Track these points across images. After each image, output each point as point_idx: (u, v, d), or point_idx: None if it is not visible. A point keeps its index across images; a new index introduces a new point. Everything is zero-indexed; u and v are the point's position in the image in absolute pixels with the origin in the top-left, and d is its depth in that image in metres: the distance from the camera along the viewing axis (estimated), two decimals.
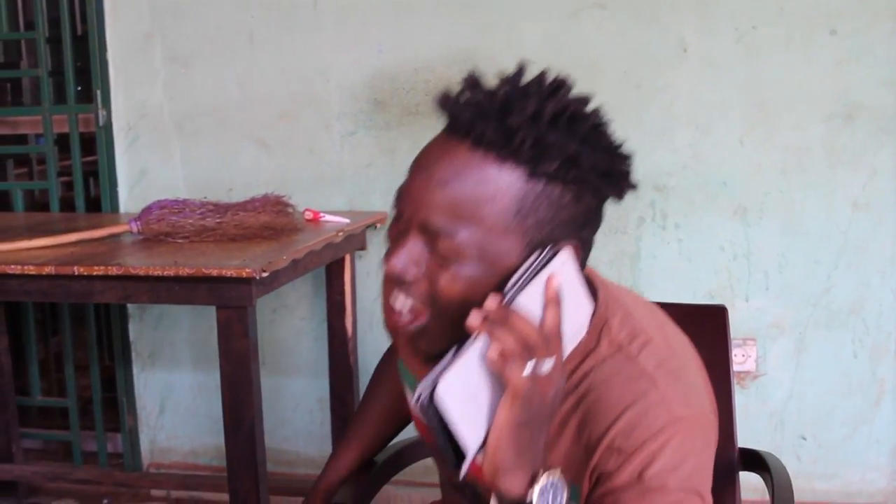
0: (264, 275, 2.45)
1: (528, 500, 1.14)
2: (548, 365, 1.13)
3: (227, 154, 3.44)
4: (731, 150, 3.08)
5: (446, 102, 1.24)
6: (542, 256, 1.19)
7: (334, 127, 3.35)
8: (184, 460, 3.70)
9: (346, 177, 3.36)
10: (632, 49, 3.01)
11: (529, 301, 1.15)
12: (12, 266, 2.55)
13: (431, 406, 1.11)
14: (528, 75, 1.24)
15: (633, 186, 1.24)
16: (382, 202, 3.31)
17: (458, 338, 1.15)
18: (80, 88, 3.60)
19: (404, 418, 1.90)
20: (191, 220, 2.78)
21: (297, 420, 3.57)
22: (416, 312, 1.23)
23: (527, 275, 1.18)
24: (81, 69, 3.58)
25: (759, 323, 3.13)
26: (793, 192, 3.07)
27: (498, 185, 1.17)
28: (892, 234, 3.05)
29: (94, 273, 2.52)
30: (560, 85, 1.22)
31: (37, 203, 4.19)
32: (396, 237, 1.25)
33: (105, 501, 3.65)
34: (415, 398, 1.12)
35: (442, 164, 1.21)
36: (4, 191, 3.87)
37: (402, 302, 1.24)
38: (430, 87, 3.23)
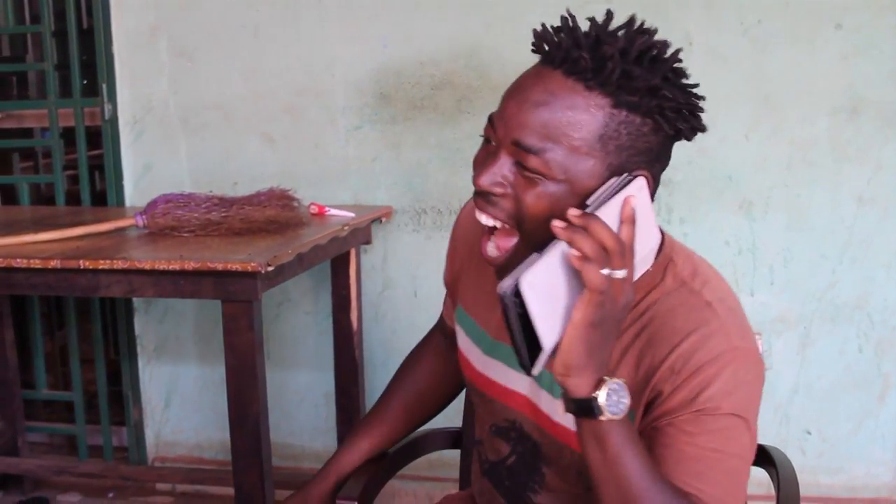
0: (269, 269, 2.45)
1: (594, 399, 1.23)
2: (621, 273, 1.22)
3: (233, 148, 3.45)
4: (737, 145, 3.07)
5: (544, 35, 1.37)
6: (619, 181, 1.31)
7: (339, 121, 3.35)
8: (189, 454, 3.71)
9: (352, 171, 3.36)
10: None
11: (606, 219, 1.24)
12: (18, 260, 2.56)
13: (514, 299, 1.19)
14: (617, 20, 1.36)
15: (702, 129, 1.38)
16: (387, 196, 3.32)
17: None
18: (85, 82, 3.60)
19: (423, 416, 1.94)
20: (196, 214, 2.78)
21: (303, 414, 3.57)
22: (506, 236, 1.37)
23: (605, 195, 1.29)
24: (87, 63, 3.58)
25: (764, 317, 3.13)
26: (798, 186, 3.07)
27: (586, 110, 1.29)
28: None
29: (100, 267, 2.52)
30: (646, 28, 1.35)
31: (42, 197, 4.20)
32: (485, 158, 1.37)
33: (110, 495, 3.66)
34: (499, 291, 1.20)
35: (536, 89, 1.32)
36: (10, 184, 3.88)
37: (486, 217, 1.38)
38: (434, 81, 3.23)
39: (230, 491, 2.71)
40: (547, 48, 1.36)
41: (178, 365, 3.66)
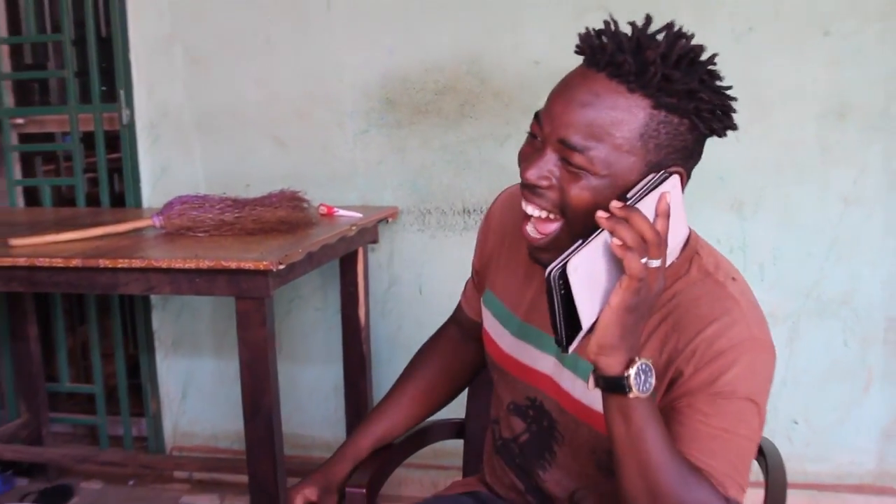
0: (281, 267, 2.44)
1: (625, 377, 1.28)
2: (656, 263, 1.27)
3: (245, 151, 3.43)
4: (728, 147, 3.03)
5: (589, 39, 1.39)
6: (657, 177, 1.36)
7: (347, 125, 3.33)
8: (205, 444, 3.70)
9: (359, 173, 3.34)
10: None
11: (644, 212, 1.29)
12: (41, 259, 2.55)
13: (559, 282, 1.26)
14: (656, 25, 1.40)
15: (734, 127, 1.42)
16: (393, 197, 3.30)
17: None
18: (104, 88, 3.59)
19: (435, 404, 1.94)
20: (210, 215, 2.78)
21: (313, 406, 3.56)
22: (548, 222, 1.42)
23: (644, 190, 1.34)
24: (106, 70, 3.57)
25: None
26: (787, 186, 3.05)
27: (628, 110, 1.33)
28: (881, 227, 3.03)
29: (119, 265, 2.52)
30: (683, 34, 1.39)
31: (64, 198, 4.18)
32: (531, 154, 1.42)
33: (130, 482, 3.65)
34: (546, 273, 1.27)
35: (582, 89, 1.36)
36: (33, 187, 3.87)
37: (533, 208, 1.43)
38: (439, 86, 3.22)
39: (244, 479, 2.70)
40: (591, 51, 1.38)
41: (194, 359, 3.65)
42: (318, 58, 3.32)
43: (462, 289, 1.95)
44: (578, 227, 1.36)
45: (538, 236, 1.44)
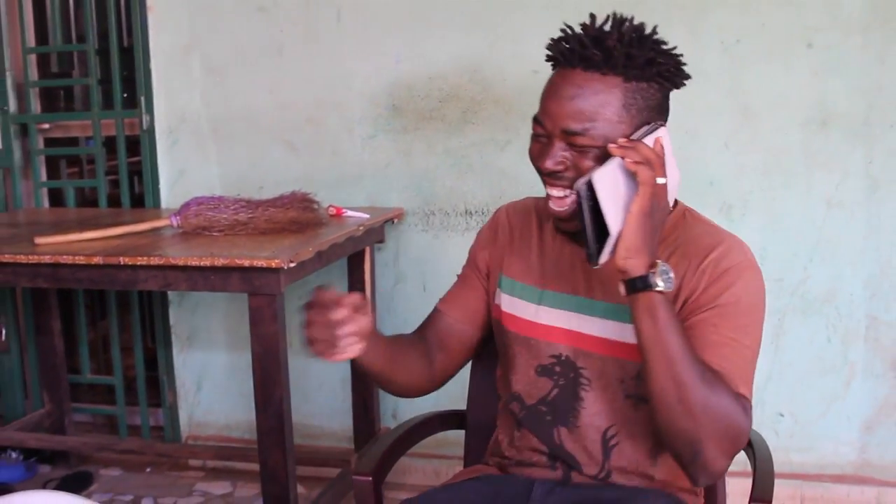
0: (292, 265, 2.46)
1: (651, 274, 1.46)
2: (662, 180, 1.50)
3: (259, 155, 3.45)
4: (717, 153, 3.07)
5: (554, 47, 1.63)
6: (647, 128, 1.57)
7: (356, 130, 3.34)
8: (219, 433, 3.71)
9: (367, 176, 3.36)
10: None
11: None
12: (64, 256, 2.57)
13: (587, 192, 1.48)
14: (600, 19, 1.61)
15: (688, 76, 1.64)
16: (399, 199, 3.31)
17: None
18: (126, 95, 3.61)
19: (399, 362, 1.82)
20: (225, 215, 2.79)
21: (322, 397, 3.57)
22: (569, 198, 1.60)
23: (638, 137, 1.55)
24: (127, 78, 3.59)
25: None
26: (773, 190, 3.06)
27: (608, 91, 1.55)
28: (862, 229, 3.04)
29: (138, 263, 2.53)
30: (624, 17, 1.59)
31: (87, 199, 4.19)
32: (542, 149, 1.61)
33: (148, 470, 3.66)
34: (576, 186, 1.51)
35: (567, 86, 1.57)
36: (58, 188, 3.88)
37: (556, 190, 1.62)
38: (443, 94, 3.23)
39: (256, 467, 2.71)
40: (562, 55, 1.60)
41: (208, 352, 3.66)
42: (329, 67, 3.33)
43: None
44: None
45: (562, 209, 1.62)
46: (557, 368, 1.73)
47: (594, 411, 1.69)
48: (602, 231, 1.49)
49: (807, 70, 2.98)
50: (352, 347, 1.55)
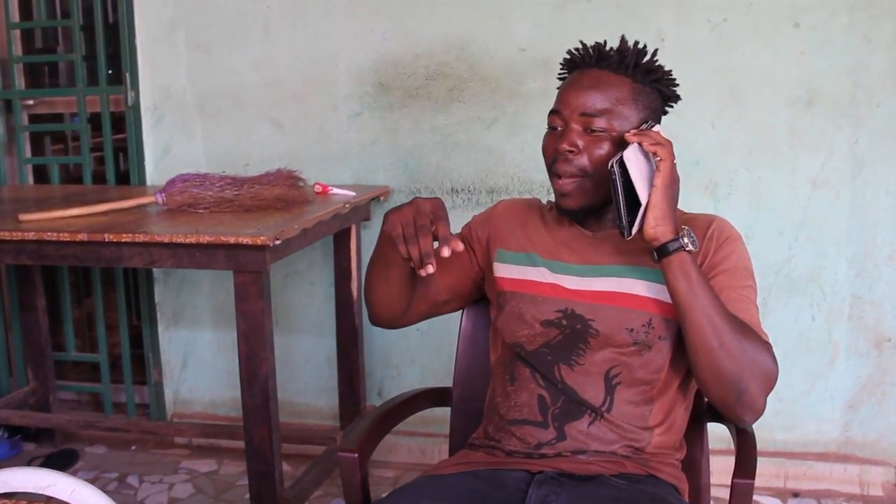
0: (277, 242, 2.45)
1: (679, 237, 1.66)
2: (674, 160, 1.69)
3: (244, 132, 3.43)
4: (704, 132, 3.07)
5: (576, 52, 1.85)
6: (647, 124, 1.77)
7: (342, 108, 3.33)
8: (204, 411, 3.71)
9: (353, 153, 3.35)
10: (614, 38, 3.00)
11: None
12: (49, 233, 2.56)
13: (618, 168, 1.65)
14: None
15: (678, 97, 1.87)
16: (385, 177, 3.31)
17: (603, 195, 1.76)
18: (111, 72, 3.59)
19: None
20: (211, 193, 2.78)
21: (307, 375, 3.57)
22: (574, 178, 1.77)
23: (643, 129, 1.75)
24: (112, 54, 3.57)
25: None
26: (759, 170, 3.07)
27: (619, 86, 1.77)
28: (847, 209, 3.05)
29: (123, 240, 2.52)
30: (637, 42, 1.83)
31: (71, 176, 4.17)
32: (559, 136, 1.79)
33: (133, 447, 3.66)
34: (609, 164, 1.67)
35: (586, 79, 1.79)
36: (42, 165, 3.86)
37: (566, 169, 1.77)
38: (429, 71, 3.22)
39: (241, 444, 2.71)
40: (581, 57, 1.83)
41: (194, 330, 3.65)
42: (315, 44, 3.32)
43: None
44: (600, 178, 1.75)
45: (568, 188, 1.78)
46: (564, 321, 1.81)
47: (599, 356, 1.79)
48: (630, 206, 1.67)
49: (793, 50, 2.98)
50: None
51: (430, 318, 2.05)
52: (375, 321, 2.03)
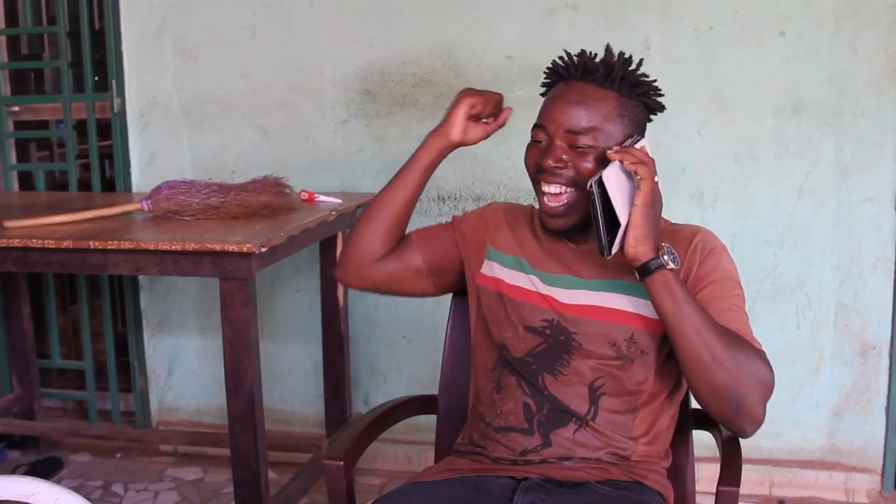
0: (263, 250, 2.45)
1: (660, 255, 1.64)
2: (656, 178, 1.67)
3: (231, 139, 3.43)
4: (690, 140, 3.08)
5: (560, 64, 1.82)
6: (631, 140, 1.76)
7: (328, 115, 3.33)
8: (189, 419, 3.70)
9: (339, 161, 3.35)
10: (601, 47, 3.01)
11: None
12: (34, 240, 2.55)
13: (598, 188, 1.63)
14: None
15: (663, 108, 1.86)
16: (372, 184, 3.31)
17: (586, 212, 1.71)
18: (96, 78, 3.58)
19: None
20: (197, 200, 2.78)
21: (293, 382, 3.56)
22: (562, 195, 1.77)
23: (627, 145, 1.74)
24: (98, 61, 3.56)
25: None
26: (744, 178, 3.08)
27: (606, 101, 1.76)
28: (832, 217, 3.05)
29: (109, 247, 2.52)
30: (622, 52, 1.82)
31: (57, 183, 4.17)
32: (543, 150, 1.78)
33: (118, 455, 3.65)
34: (588, 185, 1.65)
35: (571, 94, 1.77)
36: (27, 172, 3.85)
37: (553, 187, 1.77)
38: (416, 79, 3.23)
39: (227, 452, 2.71)
40: (566, 70, 1.81)
41: (179, 337, 3.64)
42: (301, 51, 3.32)
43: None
44: (585, 196, 1.71)
45: (556, 205, 1.78)
46: (548, 331, 1.82)
47: (583, 366, 1.79)
48: (609, 225, 1.66)
49: (779, 58, 2.99)
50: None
51: (393, 288, 2.03)
52: (346, 264, 2.01)
